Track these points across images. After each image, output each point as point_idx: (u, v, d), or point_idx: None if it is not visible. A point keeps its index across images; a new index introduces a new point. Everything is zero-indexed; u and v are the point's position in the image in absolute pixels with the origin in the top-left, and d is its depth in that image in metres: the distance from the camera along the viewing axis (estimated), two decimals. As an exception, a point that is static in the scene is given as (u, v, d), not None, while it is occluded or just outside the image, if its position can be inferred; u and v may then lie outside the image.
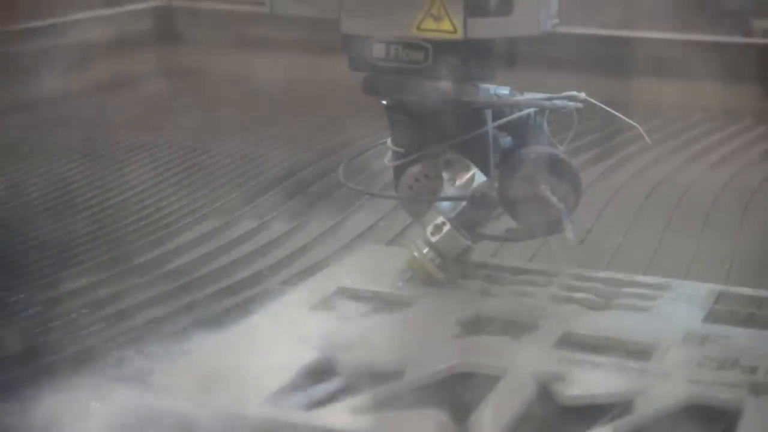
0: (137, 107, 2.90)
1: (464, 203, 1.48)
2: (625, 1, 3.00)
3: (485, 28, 1.41)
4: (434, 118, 1.47)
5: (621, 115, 1.48)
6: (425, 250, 1.47)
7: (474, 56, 1.44)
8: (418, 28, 1.42)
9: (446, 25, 1.41)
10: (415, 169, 1.53)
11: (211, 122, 2.72)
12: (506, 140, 1.51)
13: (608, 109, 1.47)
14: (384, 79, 1.47)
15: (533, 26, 1.41)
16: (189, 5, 3.41)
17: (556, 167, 1.44)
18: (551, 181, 1.43)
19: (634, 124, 1.49)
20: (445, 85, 1.44)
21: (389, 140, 1.54)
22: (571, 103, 1.47)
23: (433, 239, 1.47)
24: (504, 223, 1.55)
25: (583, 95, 1.47)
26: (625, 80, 2.79)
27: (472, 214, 1.48)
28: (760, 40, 2.92)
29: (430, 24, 1.42)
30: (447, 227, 1.47)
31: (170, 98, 3.03)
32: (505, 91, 1.49)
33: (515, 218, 1.46)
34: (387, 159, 1.55)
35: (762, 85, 2.78)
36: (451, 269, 1.49)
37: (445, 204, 1.49)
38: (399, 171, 1.54)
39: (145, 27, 3.34)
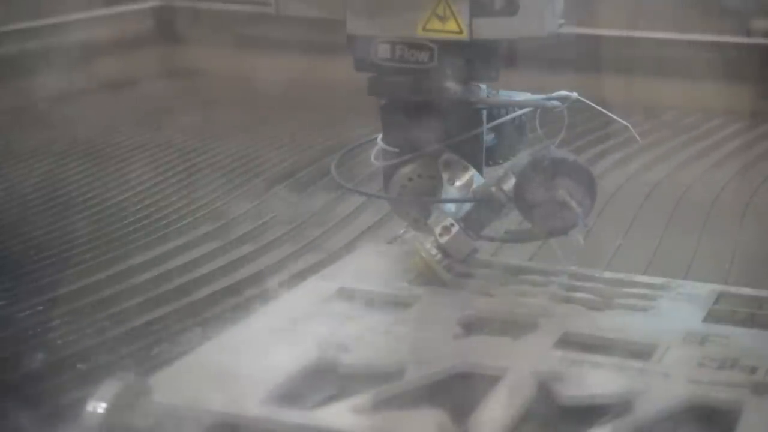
0: (137, 107, 2.91)
1: (470, 204, 1.48)
2: (624, 1, 3.00)
3: (491, 29, 1.41)
4: (435, 118, 1.47)
5: (613, 115, 1.48)
6: (433, 252, 1.47)
7: (479, 57, 1.44)
8: (423, 28, 1.43)
9: (452, 26, 1.41)
10: (408, 169, 1.53)
11: (211, 122, 2.72)
12: (488, 138, 1.52)
13: (601, 109, 1.47)
14: (389, 79, 1.47)
15: (539, 27, 1.41)
16: (189, 5, 3.41)
17: (574, 171, 1.44)
18: (570, 185, 1.43)
19: (626, 123, 1.49)
20: (452, 86, 1.44)
21: (379, 138, 1.54)
22: (566, 104, 1.47)
23: (442, 240, 1.47)
24: (503, 224, 1.55)
25: (575, 95, 1.47)
26: (625, 80, 2.79)
27: (480, 216, 1.48)
28: (760, 40, 2.92)
29: (435, 24, 1.42)
30: (455, 228, 1.46)
31: (170, 98, 3.03)
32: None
33: (529, 221, 1.46)
34: (374, 158, 1.55)
35: (762, 85, 2.78)
36: (455, 270, 1.49)
37: (450, 204, 1.49)
38: (390, 171, 1.54)
39: (145, 27, 3.34)
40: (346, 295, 1.46)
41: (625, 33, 2.93)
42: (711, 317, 1.40)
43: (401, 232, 1.79)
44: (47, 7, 3.03)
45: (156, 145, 2.50)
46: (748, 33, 2.98)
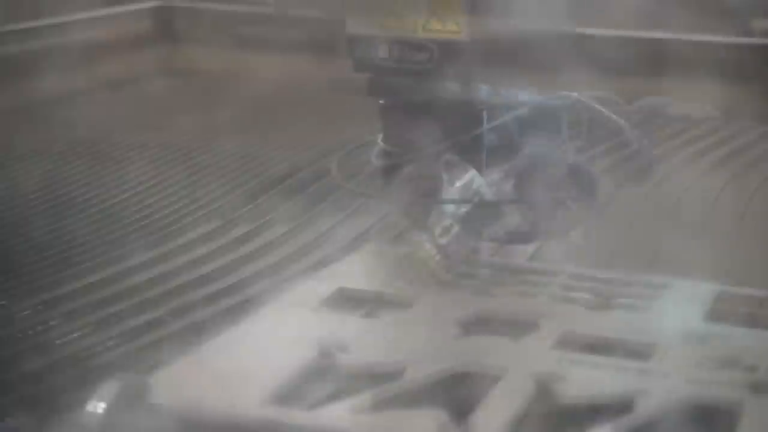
0: (137, 107, 2.91)
1: (470, 205, 1.48)
2: (624, 1, 3.00)
3: (490, 29, 1.41)
4: (436, 118, 1.47)
5: (613, 116, 1.48)
6: (433, 252, 1.47)
7: (479, 57, 1.44)
8: (423, 28, 1.43)
9: (451, 26, 1.41)
10: (410, 170, 1.53)
11: (211, 122, 2.72)
12: (489, 138, 1.52)
13: (601, 109, 1.47)
14: (388, 79, 1.47)
15: (538, 27, 1.41)
16: (189, 5, 3.41)
17: (574, 171, 1.44)
18: (570, 185, 1.43)
19: (624, 123, 1.49)
20: (452, 86, 1.44)
21: (379, 138, 1.55)
22: (566, 104, 1.47)
23: (442, 240, 1.47)
24: (503, 224, 1.55)
25: (575, 95, 1.48)
26: (625, 80, 2.79)
27: (480, 216, 1.48)
28: (760, 40, 2.92)
29: (435, 24, 1.42)
30: (455, 229, 1.46)
31: (170, 98, 3.03)
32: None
33: (529, 221, 1.46)
34: (375, 158, 1.55)
35: (762, 85, 2.78)
36: (455, 270, 1.49)
37: (450, 205, 1.49)
38: (391, 172, 1.54)
39: (145, 27, 3.34)
40: (346, 295, 1.46)
41: (625, 33, 2.92)
42: (711, 317, 1.40)
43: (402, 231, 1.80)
44: (47, 7, 3.03)
45: (156, 145, 2.50)
46: (748, 33, 2.98)
